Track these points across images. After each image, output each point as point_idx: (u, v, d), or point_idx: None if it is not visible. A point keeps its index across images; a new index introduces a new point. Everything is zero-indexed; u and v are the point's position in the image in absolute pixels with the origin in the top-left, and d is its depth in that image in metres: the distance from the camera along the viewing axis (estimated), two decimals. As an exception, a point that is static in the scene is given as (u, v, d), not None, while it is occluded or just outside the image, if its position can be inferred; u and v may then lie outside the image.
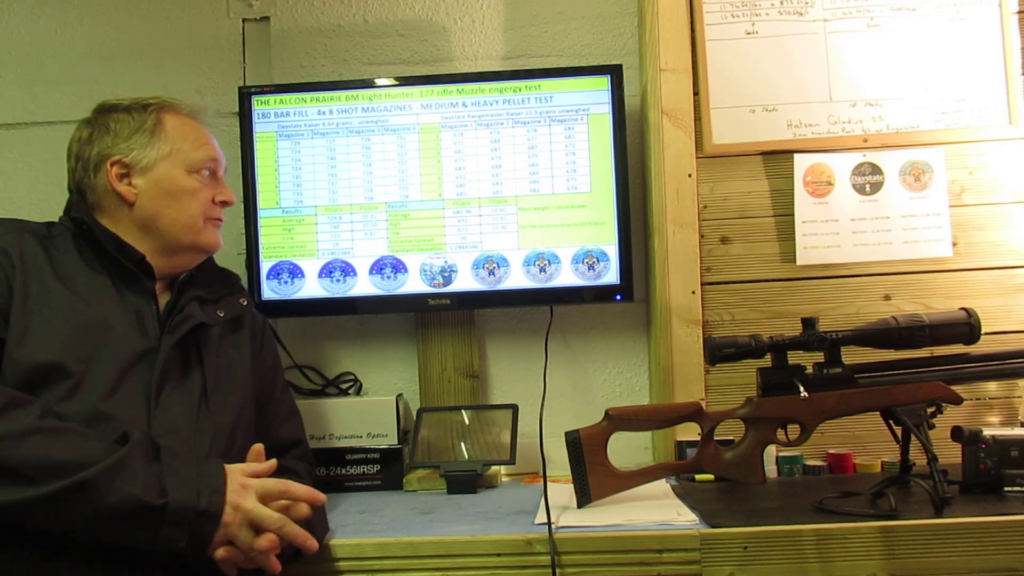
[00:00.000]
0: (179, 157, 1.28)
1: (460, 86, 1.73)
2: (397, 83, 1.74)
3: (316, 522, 1.21)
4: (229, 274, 1.41)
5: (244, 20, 1.90)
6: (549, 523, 1.21)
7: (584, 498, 1.34)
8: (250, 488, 1.10)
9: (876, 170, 1.66)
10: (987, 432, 1.33)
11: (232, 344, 1.32)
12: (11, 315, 1.13)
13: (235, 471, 1.11)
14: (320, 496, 1.17)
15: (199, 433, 1.19)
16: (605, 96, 1.71)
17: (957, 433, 1.36)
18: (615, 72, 1.71)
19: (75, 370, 1.12)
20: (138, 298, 1.23)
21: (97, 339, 1.16)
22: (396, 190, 1.73)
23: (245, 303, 1.37)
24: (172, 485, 1.03)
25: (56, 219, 1.30)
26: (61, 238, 1.24)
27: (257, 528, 1.09)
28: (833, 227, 1.65)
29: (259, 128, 1.74)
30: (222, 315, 1.31)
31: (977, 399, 1.62)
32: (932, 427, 1.33)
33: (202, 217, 1.29)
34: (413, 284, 1.72)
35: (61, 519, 1.01)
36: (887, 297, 1.66)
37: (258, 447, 1.21)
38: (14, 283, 1.14)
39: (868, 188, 1.66)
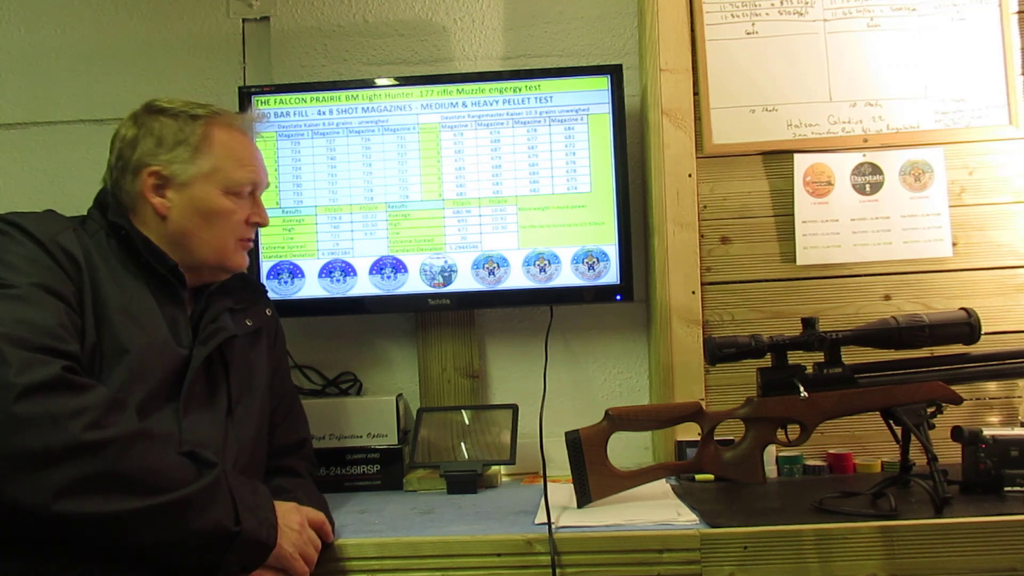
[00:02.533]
0: (219, 176, 1.22)
1: (460, 86, 1.73)
2: (397, 83, 1.74)
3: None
4: (256, 284, 1.40)
5: (244, 20, 1.90)
6: (549, 523, 1.21)
7: (584, 498, 1.34)
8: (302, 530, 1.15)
9: (876, 170, 1.66)
10: (987, 432, 1.33)
11: (254, 353, 1.30)
12: (86, 325, 1.08)
13: (292, 509, 1.16)
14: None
15: (226, 447, 1.18)
16: (605, 96, 1.71)
17: (957, 433, 1.36)
18: (615, 72, 1.71)
19: (124, 374, 1.09)
20: (172, 306, 1.20)
21: (144, 347, 1.12)
22: (396, 190, 1.73)
23: (270, 313, 1.36)
24: (243, 512, 1.04)
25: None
26: (96, 238, 1.18)
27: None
28: (833, 227, 1.65)
29: (259, 128, 1.74)
30: (250, 324, 1.29)
31: (977, 399, 1.62)
32: (932, 427, 1.33)
33: (233, 239, 1.25)
34: (413, 284, 1.72)
35: (148, 534, 0.98)
36: (887, 297, 1.66)
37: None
38: (84, 292, 1.09)
39: (868, 188, 1.66)
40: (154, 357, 1.13)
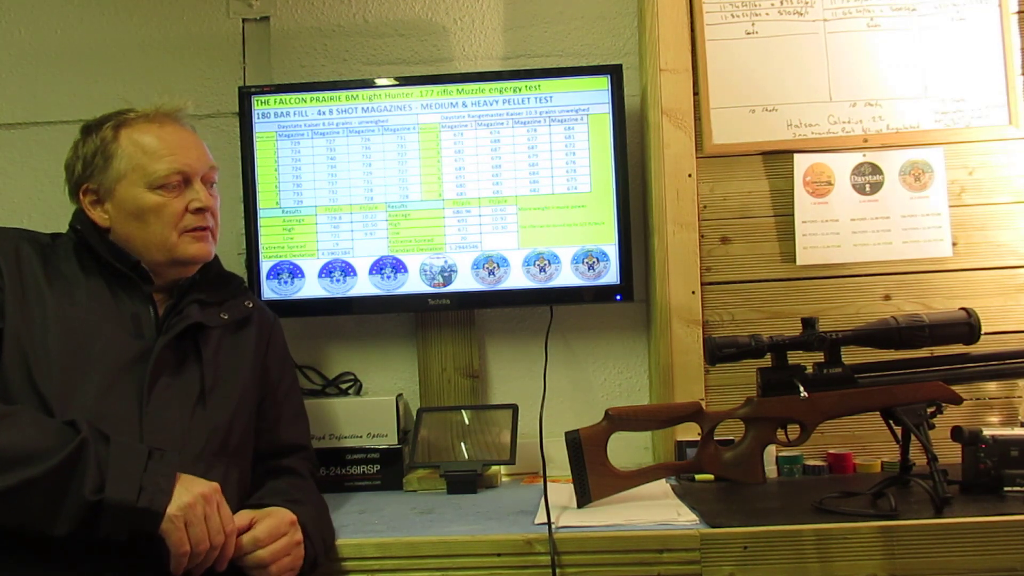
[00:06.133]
0: (138, 174, 1.23)
1: (460, 86, 1.73)
2: (397, 83, 1.74)
3: (317, 533, 1.21)
4: (233, 277, 1.41)
5: (244, 20, 1.90)
6: (549, 523, 1.21)
7: (584, 498, 1.34)
8: (212, 501, 1.06)
9: (876, 170, 1.66)
10: (987, 432, 1.33)
11: (234, 343, 1.31)
12: (6, 307, 1.14)
13: (200, 482, 1.07)
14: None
15: (193, 431, 1.19)
16: (605, 96, 1.71)
17: (957, 433, 1.36)
18: (615, 72, 1.71)
19: (67, 373, 1.13)
20: (135, 302, 1.24)
21: (88, 343, 1.16)
22: (396, 190, 1.73)
23: (251, 305, 1.37)
24: (112, 480, 0.99)
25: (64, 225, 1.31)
26: (63, 248, 1.25)
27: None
28: (833, 227, 1.65)
29: (259, 128, 1.74)
30: (226, 317, 1.31)
31: (977, 399, 1.62)
32: (932, 427, 1.33)
33: (175, 232, 1.25)
34: (413, 284, 1.72)
35: (3, 512, 0.99)
36: (887, 297, 1.66)
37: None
38: (4, 281, 1.16)
39: (868, 188, 1.66)
40: (101, 350, 1.16)
